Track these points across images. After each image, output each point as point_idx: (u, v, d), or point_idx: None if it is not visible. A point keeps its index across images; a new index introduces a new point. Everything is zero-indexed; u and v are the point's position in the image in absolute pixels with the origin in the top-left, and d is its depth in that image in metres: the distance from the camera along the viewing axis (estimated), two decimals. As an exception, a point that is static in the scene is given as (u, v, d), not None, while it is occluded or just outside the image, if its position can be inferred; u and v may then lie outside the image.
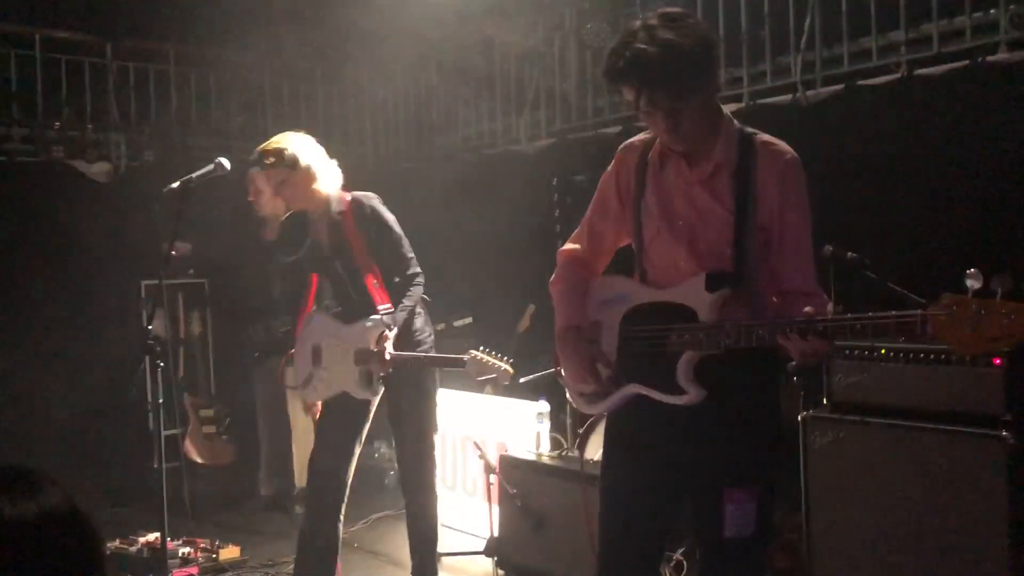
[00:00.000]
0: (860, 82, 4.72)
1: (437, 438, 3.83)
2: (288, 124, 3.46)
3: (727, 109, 2.39)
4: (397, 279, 3.67)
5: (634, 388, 2.34)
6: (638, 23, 2.20)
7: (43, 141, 6.40)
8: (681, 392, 2.24)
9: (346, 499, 3.74)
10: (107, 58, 6.65)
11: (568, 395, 2.54)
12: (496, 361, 3.39)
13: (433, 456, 3.79)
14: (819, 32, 4.90)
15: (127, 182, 6.59)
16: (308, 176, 3.56)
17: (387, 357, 3.50)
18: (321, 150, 3.65)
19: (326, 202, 3.62)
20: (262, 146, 3.61)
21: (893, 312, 1.96)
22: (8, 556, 0.92)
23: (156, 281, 6.16)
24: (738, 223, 2.24)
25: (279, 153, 3.53)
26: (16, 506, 0.95)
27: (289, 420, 5.44)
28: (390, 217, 3.69)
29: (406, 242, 3.69)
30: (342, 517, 3.74)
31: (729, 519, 2.23)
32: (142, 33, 6.85)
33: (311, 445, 3.79)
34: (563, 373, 2.49)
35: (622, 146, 2.47)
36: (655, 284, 2.37)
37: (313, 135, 3.66)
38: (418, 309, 3.73)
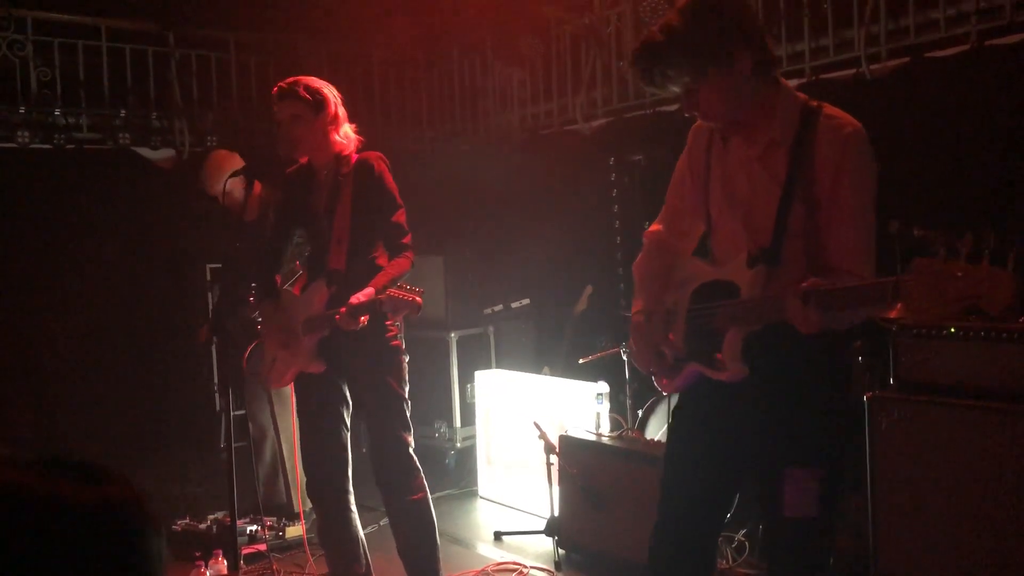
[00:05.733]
0: (927, 54, 4.59)
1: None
2: (345, 107, 3.41)
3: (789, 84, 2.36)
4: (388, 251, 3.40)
5: (694, 366, 2.36)
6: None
7: (109, 129, 6.55)
8: (724, 368, 2.25)
9: (351, 490, 3.53)
10: (170, 47, 6.77)
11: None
12: (409, 293, 3.09)
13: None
14: (884, 3, 4.76)
15: (190, 168, 6.71)
16: (326, 123, 3.31)
17: (337, 317, 3.18)
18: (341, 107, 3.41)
19: (335, 157, 3.37)
20: (290, 79, 3.32)
21: (870, 280, 1.98)
22: (64, 542, 0.91)
23: (222, 265, 6.30)
24: (783, 198, 2.21)
25: (311, 89, 3.28)
26: (77, 493, 0.93)
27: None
28: (392, 184, 3.40)
29: (404, 214, 3.41)
30: (352, 508, 3.56)
31: (790, 499, 2.21)
32: (203, 22, 6.97)
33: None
34: (635, 356, 2.55)
35: (694, 125, 2.47)
36: (719, 262, 2.37)
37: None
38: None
